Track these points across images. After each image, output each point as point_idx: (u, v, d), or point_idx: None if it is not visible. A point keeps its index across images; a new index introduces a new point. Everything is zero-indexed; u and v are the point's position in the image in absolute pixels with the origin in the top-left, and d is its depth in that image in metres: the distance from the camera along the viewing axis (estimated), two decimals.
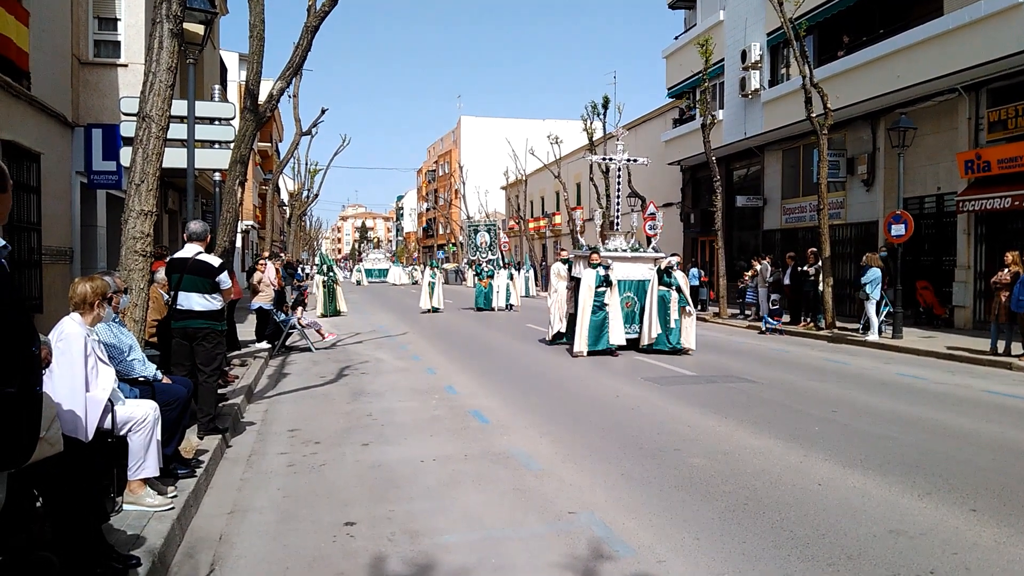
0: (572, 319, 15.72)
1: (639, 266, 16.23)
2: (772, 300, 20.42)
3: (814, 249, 19.63)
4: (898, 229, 17.02)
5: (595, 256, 15.36)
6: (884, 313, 17.37)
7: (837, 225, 22.81)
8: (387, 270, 62.67)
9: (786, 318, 20.41)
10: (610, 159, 17.17)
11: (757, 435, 8.28)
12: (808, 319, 19.85)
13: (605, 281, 15.02)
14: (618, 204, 17.66)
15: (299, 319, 16.43)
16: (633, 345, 15.57)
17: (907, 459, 7.25)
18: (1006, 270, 14.08)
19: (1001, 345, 14.07)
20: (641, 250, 16.68)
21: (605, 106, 35.31)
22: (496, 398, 10.63)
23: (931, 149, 19.89)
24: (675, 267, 15.74)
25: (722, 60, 28.10)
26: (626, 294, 15.82)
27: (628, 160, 17.60)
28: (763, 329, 19.61)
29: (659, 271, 15.68)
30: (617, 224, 17.38)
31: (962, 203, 18.31)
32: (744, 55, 26.55)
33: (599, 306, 14.93)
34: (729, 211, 28.53)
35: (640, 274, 16.08)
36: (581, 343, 14.78)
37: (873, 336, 16.91)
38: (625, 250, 16.46)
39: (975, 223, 18.78)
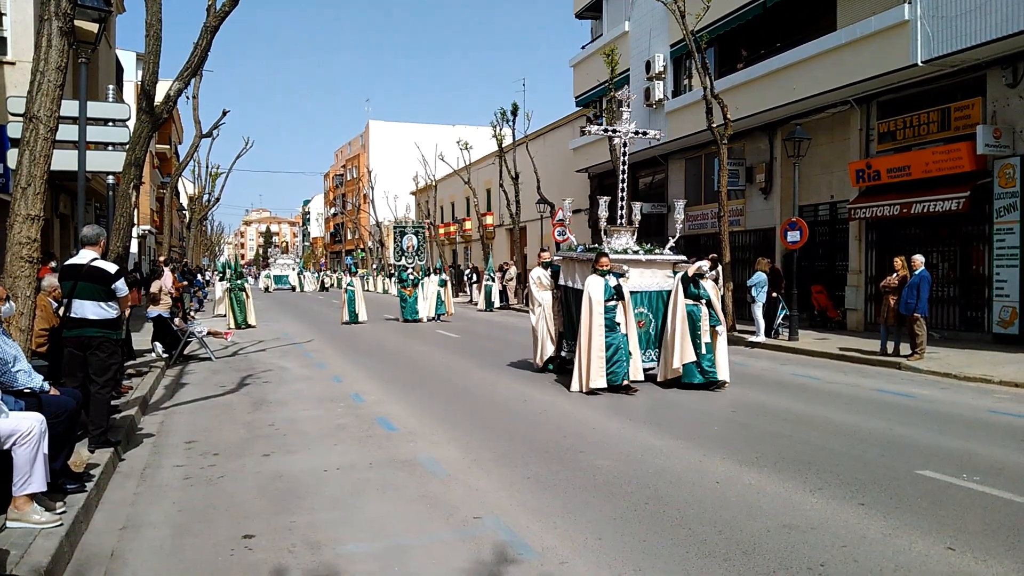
0: (560, 337, 13.16)
1: (654, 272, 12.73)
2: None
3: (714, 255, 20.16)
4: (793, 235, 17.71)
5: (604, 260, 11.54)
6: (781, 316, 18.02)
7: (737, 232, 23.54)
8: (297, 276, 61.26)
9: None
10: (613, 131, 14.08)
11: (659, 436, 8.46)
12: None
13: (617, 293, 11.46)
14: (622, 193, 13.86)
15: (185, 327, 15.97)
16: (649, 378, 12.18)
17: (800, 456, 7.53)
18: (894, 274, 14.78)
19: (890, 346, 14.75)
20: (657, 251, 13.19)
21: (514, 113, 35.52)
22: (403, 405, 10.55)
23: (825, 159, 20.72)
24: (705, 274, 12.24)
25: (627, 70, 28.60)
26: (638, 310, 12.18)
27: (636, 133, 14.32)
28: None
29: (684, 279, 11.99)
30: (622, 218, 13.86)
31: (854, 211, 19.13)
32: (648, 66, 27.10)
33: (610, 327, 11.29)
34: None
35: (656, 283, 12.56)
36: (595, 376, 11.09)
37: (759, 337, 17.53)
38: (636, 251, 12.97)
39: (866, 229, 19.66)
